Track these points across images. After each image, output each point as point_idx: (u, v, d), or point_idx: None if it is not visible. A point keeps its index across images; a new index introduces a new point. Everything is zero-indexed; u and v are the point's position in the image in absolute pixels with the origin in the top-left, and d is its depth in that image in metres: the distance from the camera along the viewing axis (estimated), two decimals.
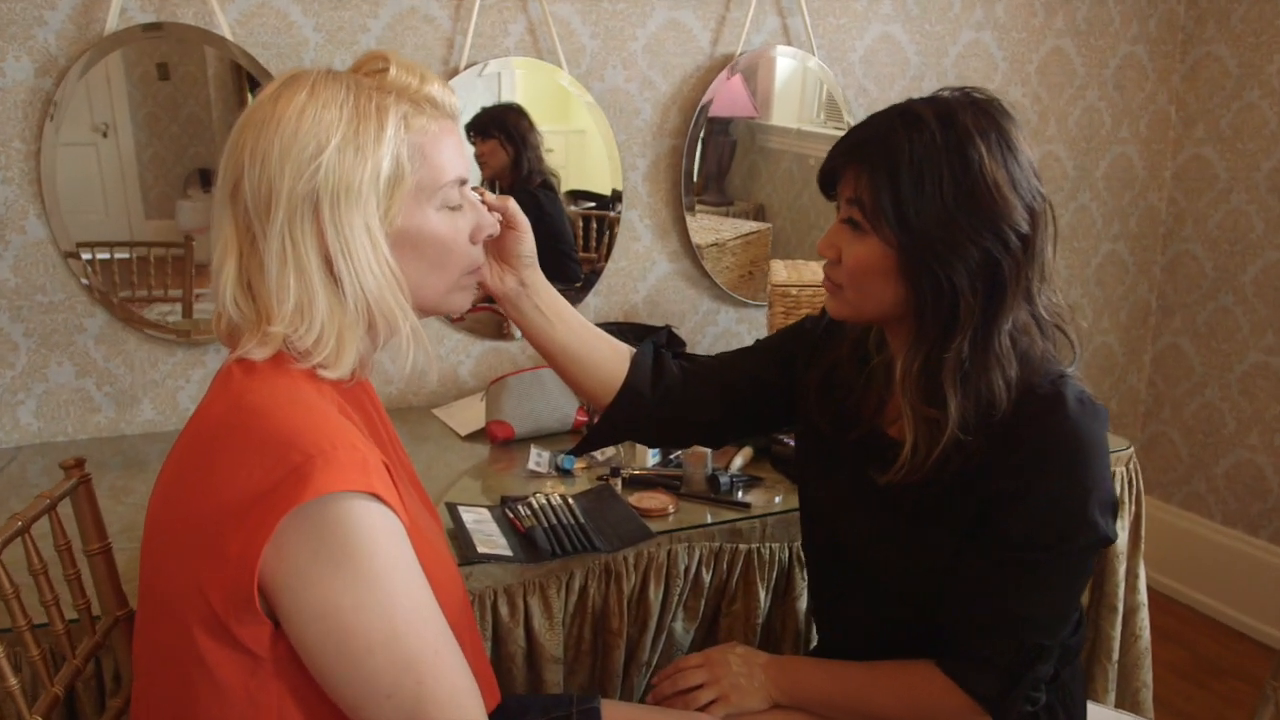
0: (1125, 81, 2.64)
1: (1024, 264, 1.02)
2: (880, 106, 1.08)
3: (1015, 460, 1.03)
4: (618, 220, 2.13)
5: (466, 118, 1.95)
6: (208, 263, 0.96)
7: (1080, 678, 1.29)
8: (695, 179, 2.18)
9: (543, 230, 1.17)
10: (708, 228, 2.22)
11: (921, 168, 1.00)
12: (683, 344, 2.01)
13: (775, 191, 2.28)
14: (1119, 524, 1.74)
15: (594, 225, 2.14)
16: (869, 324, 1.16)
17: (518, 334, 2.08)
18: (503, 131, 2.00)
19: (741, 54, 2.15)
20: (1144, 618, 1.83)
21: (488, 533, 1.42)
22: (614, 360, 1.23)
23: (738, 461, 1.69)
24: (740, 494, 1.59)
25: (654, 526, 1.45)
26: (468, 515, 1.46)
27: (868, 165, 1.03)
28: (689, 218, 2.18)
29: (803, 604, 1.54)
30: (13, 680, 0.98)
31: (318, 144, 0.86)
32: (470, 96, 1.95)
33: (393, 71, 0.92)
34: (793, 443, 1.67)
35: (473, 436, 1.87)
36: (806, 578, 1.51)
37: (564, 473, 1.68)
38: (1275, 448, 2.58)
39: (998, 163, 1.00)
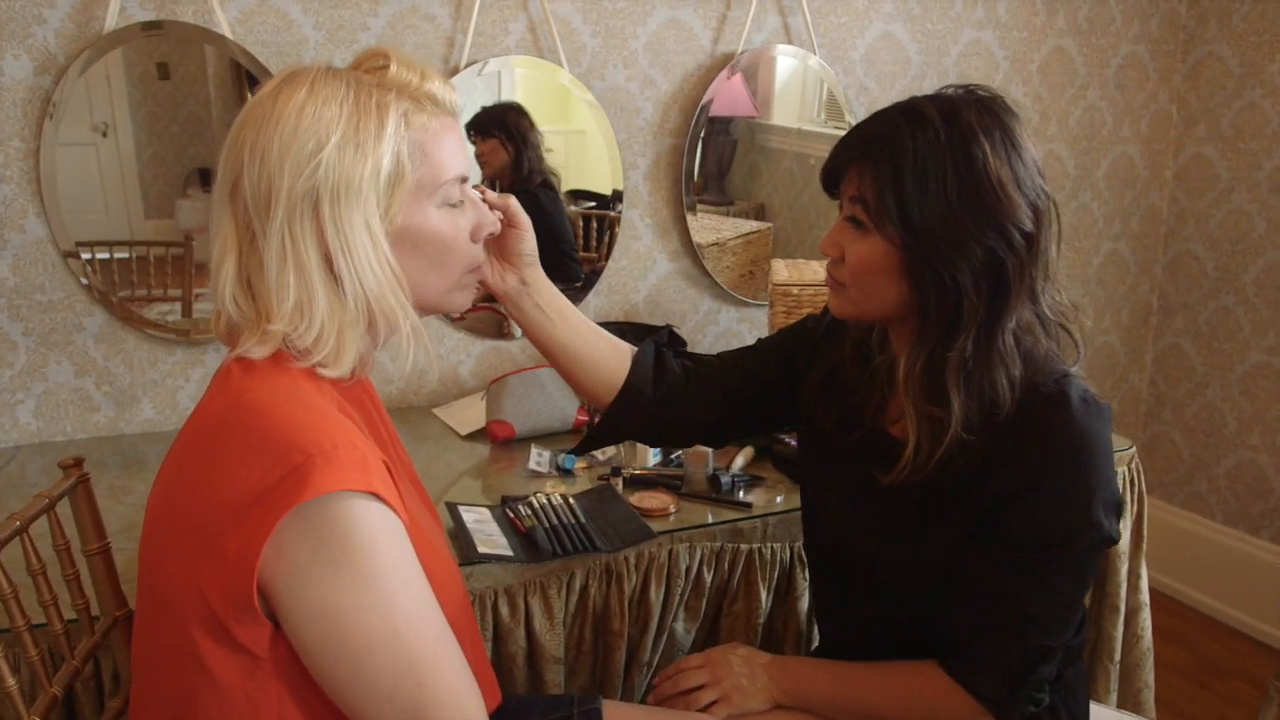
0: (1127, 81, 2.64)
1: (1028, 262, 1.02)
2: (881, 106, 1.07)
3: (1019, 460, 1.03)
4: (618, 219, 2.13)
5: (467, 117, 1.95)
6: (207, 262, 0.96)
7: (1084, 678, 1.28)
8: (696, 178, 2.17)
9: (543, 229, 1.17)
10: (708, 227, 2.22)
11: (925, 166, 0.99)
12: (683, 343, 1.99)
13: (776, 191, 2.28)
14: (1121, 524, 1.73)
15: (594, 224, 2.13)
16: (872, 323, 1.16)
17: (518, 333, 2.08)
18: (503, 131, 2.00)
19: (742, 53, 2.14)
20: (1146, 618, 1.83)
21: (488, 532, 1.41)
22: (615, 359, 1.22)
23: (739, 461, 1.69)
24: (742, 494, 1.58)
25: (655, 526, 1.45)
26: (468, 515, 1.45)
27: (871, 163, 1.02)
28: (690, 217, 2.18)
29: (804, 604, 1.54)
30: (11, 681, 0.98)
31: (318, 141, 0.85)
32: (470, 95, 1.94)
33: (393, 68, 0.91)
34: (794, 442, 1.66)
35: (473, 436, 1.86)
36: (808, 578, 1.51)
37: (565, 472, 1.67)
38: (1276, 448, 2.58)
39: (1002, 160, 0.99)
